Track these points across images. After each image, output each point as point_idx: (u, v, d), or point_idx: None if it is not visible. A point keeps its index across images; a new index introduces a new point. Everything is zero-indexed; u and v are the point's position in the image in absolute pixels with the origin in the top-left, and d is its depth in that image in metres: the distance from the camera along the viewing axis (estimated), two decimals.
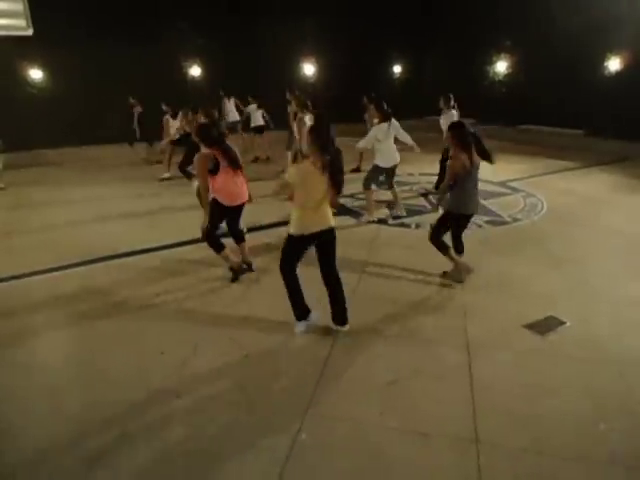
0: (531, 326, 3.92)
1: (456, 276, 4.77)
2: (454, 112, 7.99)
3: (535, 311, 4.14)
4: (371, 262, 5.30)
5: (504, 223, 6.59)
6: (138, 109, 10.76)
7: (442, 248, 4.73)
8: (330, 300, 3.85)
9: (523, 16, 12.91)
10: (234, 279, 4.86)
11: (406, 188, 8.48)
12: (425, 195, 8.11)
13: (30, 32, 8.19)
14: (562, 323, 3.96)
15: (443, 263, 4.86)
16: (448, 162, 4.56)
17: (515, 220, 6.68)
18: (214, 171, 4.50)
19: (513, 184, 8.73)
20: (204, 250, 4.94)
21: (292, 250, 3.72)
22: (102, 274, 5.11)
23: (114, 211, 7.38)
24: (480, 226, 6.43)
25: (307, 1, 13.13)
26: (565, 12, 11.52)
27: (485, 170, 9.17)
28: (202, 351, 3.67)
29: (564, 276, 4.87)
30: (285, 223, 4.34)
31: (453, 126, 4.52)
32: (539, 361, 3.50)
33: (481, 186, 8.35)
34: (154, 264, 5.37)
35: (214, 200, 4.65)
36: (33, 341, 3.90)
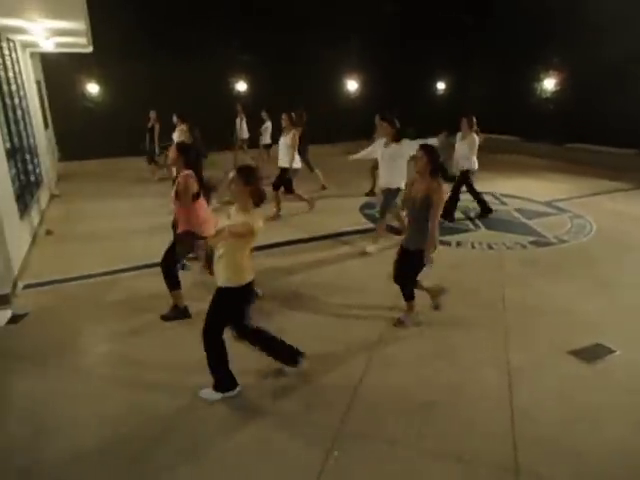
0: (577, 353, 3.75)
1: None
2: (476, 137, 7.24)
3: (581, 337, 3.97)
4: None
5: (549, 244, 6.38)
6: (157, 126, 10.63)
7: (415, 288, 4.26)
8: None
9: (572, 32, 12.59)
10: (169, 319, 4.34)
11: None
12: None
13: (90, 49, 8.74)
14: (611, 351, 3.77)
15: (485, 282, 4.73)
16: (436, 197, 3.79)
17: (561, 241, 6.45)
18: (195, 196, 4.08)
19: (559, 204, 8.45)
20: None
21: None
22: (149, 280, 5.28)
23: (158, 221, 7.63)
24: (524, 246, 6.25)
25: (351, 19, 13.31)
26: (615, 27, 11.18)
27: (530, 189, 8.95)
28: (239, 360, 3.71)
29: (613, 301, 4.65)
30: None
31: (431, 150, 3.89)
32: (585, 390, 3.35)
33: (525, 205, 8.30)
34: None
35: (188, 231, 4.07)
36: (80, 344, 4.07)
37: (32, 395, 3.36)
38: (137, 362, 3.73)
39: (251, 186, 3.01)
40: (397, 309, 4.47)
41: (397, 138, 5.77)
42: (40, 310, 4.56)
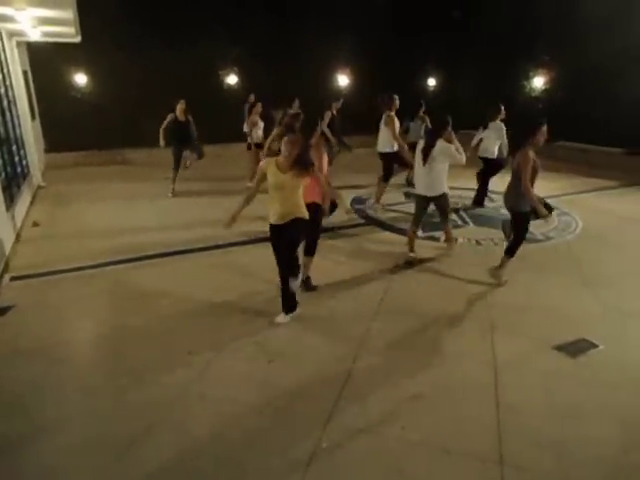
0: (561, 347, 3.82)
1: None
2: (501, 124, 7.68)
3: (566, 332, 4.04)
4: (398, 274, 5.27)
5: (536, 241, 6.45)
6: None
7: None
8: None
9: (560, 31, 12.69)
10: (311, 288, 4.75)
11: None
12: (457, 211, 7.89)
13: (78, 39, 8.61)
14: (594, 346, 3.84)
15: (473, 275, 4.79)
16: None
17: (547, 238, 6.54)
18: None
19: (547, 202, 8.51)
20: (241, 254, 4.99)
21: None
22: (136, 273, 5.26)
23: (146, 216, 7.59)
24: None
25: (343, 14, 13.27)
26: (603, 26, 11.29)
27: None
28: (227, 354, 3.72)
29: (597, 298, 4.73)
30: None
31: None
32: (569, 384, 3.41)
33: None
34: (185, 265, 5.49)
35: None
36: (66, 337, 4.04)
37: (17, 386, 3.34)
38: (123, 354, 3.72)
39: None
40: (385, 303, 4.52)
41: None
42: (27, 302, 4.51)
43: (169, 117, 8.42)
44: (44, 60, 10.75)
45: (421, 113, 9.24)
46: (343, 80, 14.81)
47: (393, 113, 7.43)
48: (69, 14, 6.14)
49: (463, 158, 5.37)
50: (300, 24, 13.10)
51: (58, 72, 11.12)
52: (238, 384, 3.39)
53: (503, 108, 7.78)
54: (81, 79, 11.40)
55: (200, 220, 7.12)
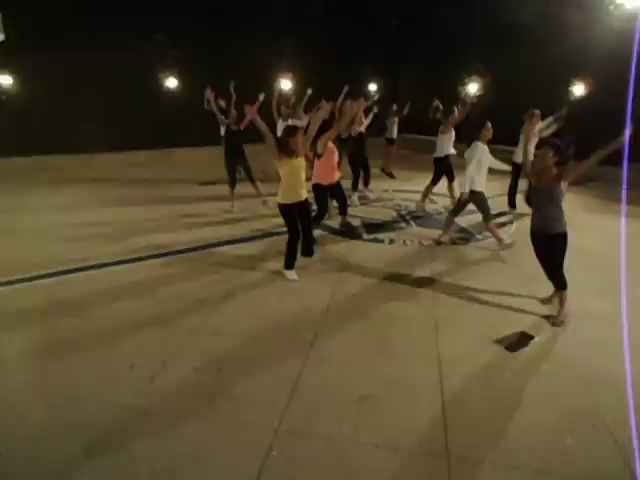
0: (501, 341, 3.99)
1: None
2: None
3: (506, 327, 4.22)
4: (344, 277, 5.32)
5: (477, 240, 6.73)
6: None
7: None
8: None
9: (492, 38, 13.43)
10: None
11: (379, 205, 8.65)
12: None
13: (2, 37, 8.09)
14: (531, 338, 4.05)
15: (417, 275, 4.90)
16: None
17: (487, 237, 6.82)
18: None
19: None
20: (180, 264, 4.86)
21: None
22: (70, 286, 4.98)
23: (74, 231, 7.22)
24: (454, 242, 6.56)
25: (283, 18, 13.32)
26: (535, 32, 12.00)
27: (458, 187, 9.25)
28: (173, 365, 3.59)
29: (534, 293, 4.97)
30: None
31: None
32: (510, 376, 3.56)
33: (451, 203, 8.68)
34: (123, 276, 5.27)
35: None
36: None
37: None
38: (58, 372, 3.50)
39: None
40: (333, 307, 4.54)
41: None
42: None
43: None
44: None
45: (394, 111, 10.80)
46: (285, 84, 14.81)
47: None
48: None
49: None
50: (239, 27, 13.00)
51: None
52: (185, 396, 3.28)
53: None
54: (6, 80, 10.70)
55: (143, 228, 6.87)
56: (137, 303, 4.61)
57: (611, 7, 9.11)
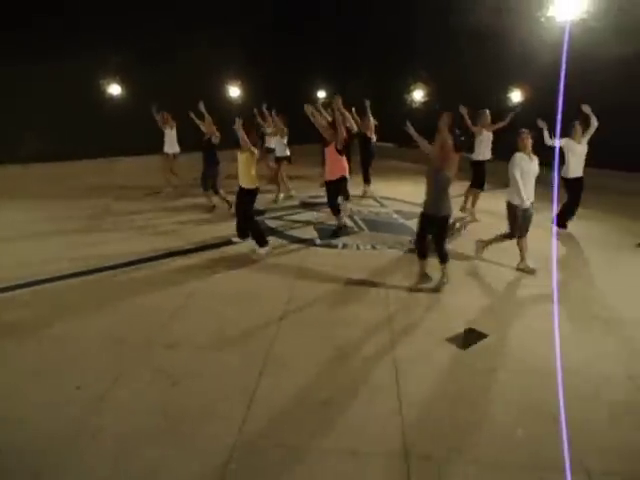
0: (453, 340, 4.12)
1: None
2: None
3: (457, 325, 4.36)
4: (299, 284, 5.32)
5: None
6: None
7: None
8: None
9: (435, 47, 13.93)
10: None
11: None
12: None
13: None
14: (482, 336, 4.20)
15: (370, 278, 4.97)
16: None
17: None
18: None
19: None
20: (128, 276, 4.68)
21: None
22: (17, 302, 4.69)
23: (30, 243, 6.84)
24: (404, 245, 6.70)
25: (229, 24, 13.23)
26: (474, 41, 12.54)
27: (406, 191, 9.54)
28: (125, 382, 3.46)
29: (483, 291, 5.18)
30: None
31: None
32: (461, 373, 3.68)
33: (403, 207, 8.89)
34: (70, 291, 5.02)
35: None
36: None
37: None
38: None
39: None
40: (288, 314, 4.53)
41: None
42: None
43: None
44: None
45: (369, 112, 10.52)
46: (234, 91, 14.70)
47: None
48: None
49: None
50: (189, 32, 12.78)
51: None
52: (137, 412, 3.16)
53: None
54: None
55: (85, 242, 6.58)
56: (84, 321, 4.40)
57: (542, 19, 9.69)
